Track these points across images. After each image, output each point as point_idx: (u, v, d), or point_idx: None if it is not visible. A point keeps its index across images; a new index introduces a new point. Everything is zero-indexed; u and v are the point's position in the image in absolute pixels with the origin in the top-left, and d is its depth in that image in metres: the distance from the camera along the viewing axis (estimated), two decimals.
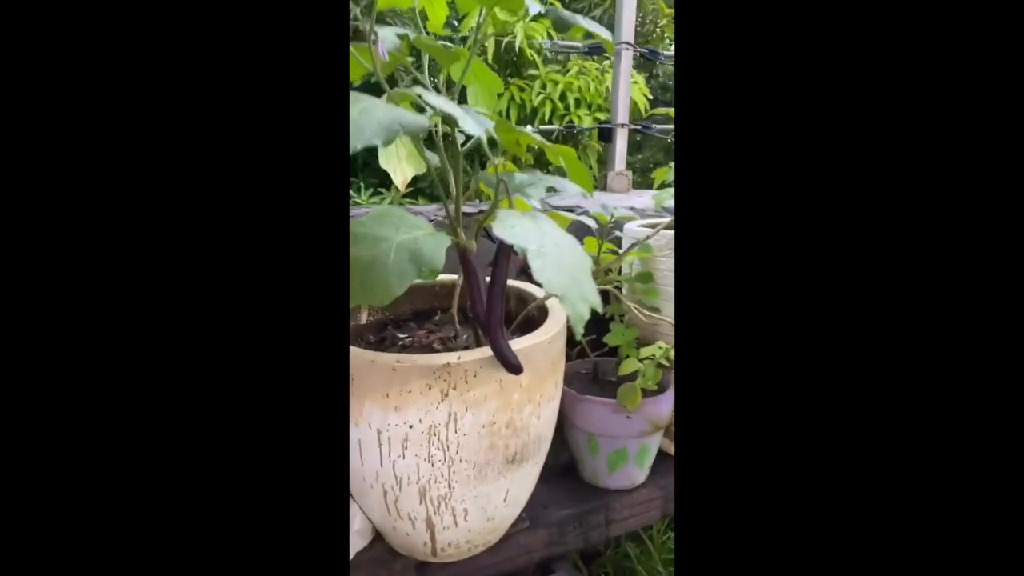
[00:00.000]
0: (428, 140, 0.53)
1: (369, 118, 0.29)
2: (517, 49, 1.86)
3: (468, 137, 0.47)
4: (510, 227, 0.28)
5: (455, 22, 1.84)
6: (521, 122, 1.97)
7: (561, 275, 0.27)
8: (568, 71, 2.02)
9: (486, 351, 0.40)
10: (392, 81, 0.44)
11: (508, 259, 0.38)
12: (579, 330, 0.27)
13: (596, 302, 0.29)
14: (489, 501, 0.46)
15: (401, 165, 0.58)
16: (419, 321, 0.61)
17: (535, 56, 1.92)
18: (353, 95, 0.32)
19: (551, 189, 0.41)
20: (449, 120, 0.37)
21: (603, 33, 0.44)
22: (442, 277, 0.64)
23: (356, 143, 0.28)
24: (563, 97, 1.97)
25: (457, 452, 0.42)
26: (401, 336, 0.56)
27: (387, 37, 0.40)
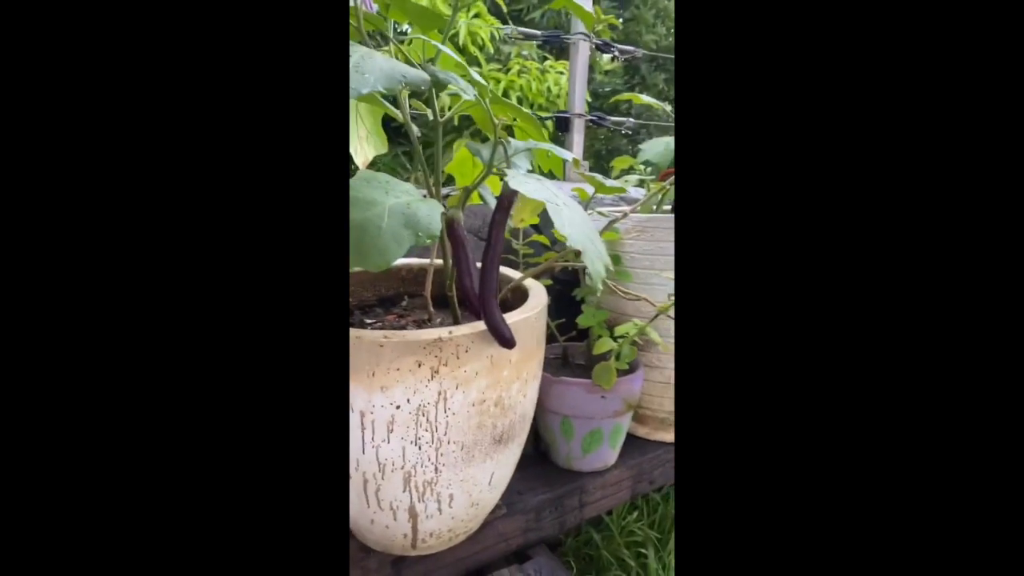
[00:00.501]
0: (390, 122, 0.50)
1: (372, 64, 0.27)
2: (460, 45, 1.85)
3: (443, 110, 0.46)
4: (524, 182, 0.27)
5: None
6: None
7: (580, 231, 0.27)
8: (510, 69, 2.03)
9: (477, 326, 0.39)
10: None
11: (505, 221, 0.37)
12: (598, 286, 0.27)
13: (609, 261, 0.28)
14: (475, 485, 0.44)
15: (362, 144, 0.56)
16: (385, 307, 0.58)
17: (478, 53, 1.92)
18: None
19: (549, 155, 0.40)
20: (439, 83, 0.36)
21: (585, 6, 0.44)
22: (408, 261, 0.62)
23: (361, 88, 0.26)
24: (505, 95, 1.98)
25: (446, 433, 0.40)
26: (369, 321, 0.53)
27: None
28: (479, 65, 1.95)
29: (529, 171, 0.43)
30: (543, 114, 1.99)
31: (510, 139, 0.39)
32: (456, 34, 1.82)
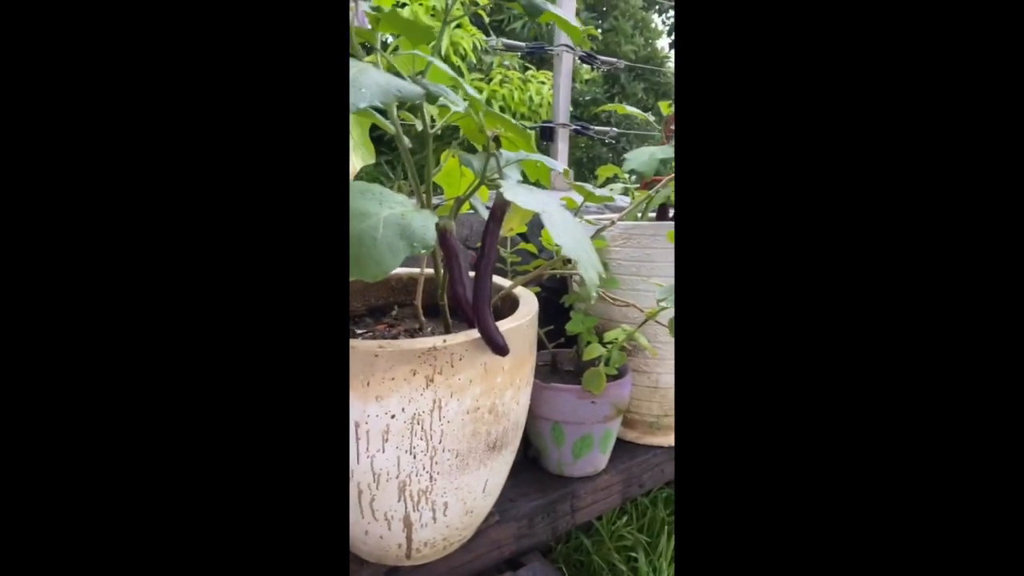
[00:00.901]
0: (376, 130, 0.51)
1: (368, 78, 0.28)
2: (442, 55, 1.86)
3: (433, 121, 0.47)
4: (519, 192, 0.28)
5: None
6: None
7: (574, 240, 0.27)
8: (492, 79, 2.04)
9: (471, 334, 0.39)
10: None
11: (499, 231, 0.38)
12: (593, 293, 0.28)
13: (601, 268, 0.29)
14: (469, 492, 0.44)
15: (350, 155, 0.56)
16: (375, 317, 0.58)
17: (460, 62, 1.93)
18: None
19: (540, 166, 0.41)
20: (431, 96, 0.36)
21: (571, 20, 0.45)
22: (398, 271, 0.62)
23: (358, 103, 0.26)
24: (487, 104, 1.99)
25: (441, 441, 0.40)
26: (359, 332, 0.53)
27: (362, 6, 0.38)
28: (461, 75, 1.96)
29: (520, 181, 0.44)
30: (527, 124, 2.02)
31: (501, 150, 0.40)
32: (437, 45, 1.84)
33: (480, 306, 0.38)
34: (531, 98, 2.00)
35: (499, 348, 0.39)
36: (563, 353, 0.69)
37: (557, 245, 0.27)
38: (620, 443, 0.70)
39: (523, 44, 1.21)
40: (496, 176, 0.40)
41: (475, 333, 0.39)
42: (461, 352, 0.38)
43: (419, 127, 0.46)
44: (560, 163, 0.42)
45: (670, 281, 0.52)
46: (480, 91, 1.98)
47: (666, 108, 0.65)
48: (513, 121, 0.42)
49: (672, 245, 0.50)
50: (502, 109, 2.01)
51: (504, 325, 0.42)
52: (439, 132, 0.48)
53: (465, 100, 0.38)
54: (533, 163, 0.49)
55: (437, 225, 0.40)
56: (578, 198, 0.52)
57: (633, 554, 0.81)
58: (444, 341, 0.38)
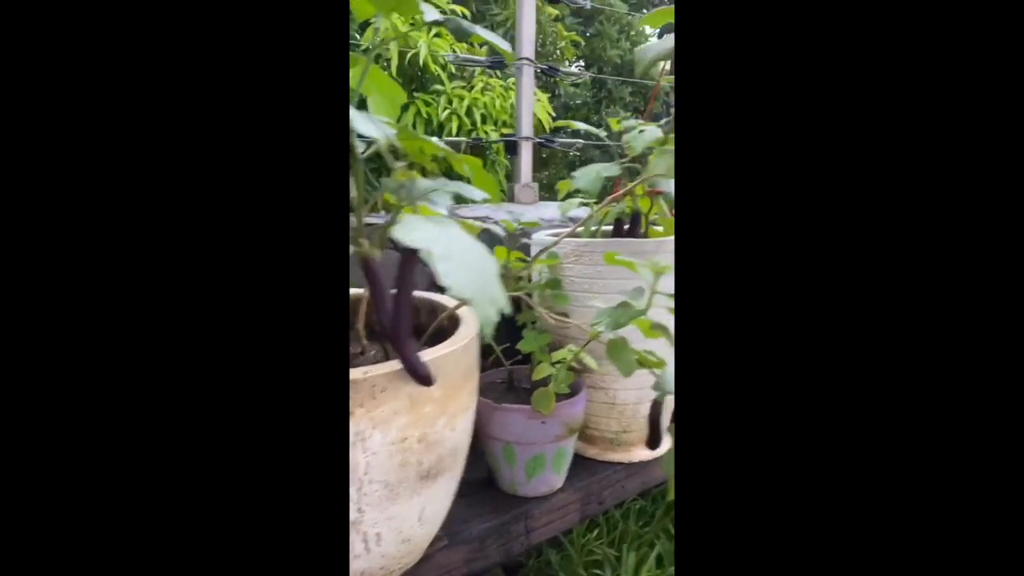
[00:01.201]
0: None
1: None
2: (421, 63, 1.85)
3: (368, 145, 0.46)
4: (412, 231, 0.28)
5: (356, 35, 1.81)
6: (428, 136, 1.94)
7: (468, 279, 0.27)
8: (473, 87, 2.04)
9: (395, 364, 0.39)
10: None
11: (414, 265, 0.37)
12: (488, 333, 0.27)
13: (504, 305, 0.28)
14: (404, 522, 0.44)
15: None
16: None
17: (440, 71, 1.93)
18: None
19: (459, 197, 0.41)
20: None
21: (501, 44, 0.44)
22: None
23: None
24: (469, 112, 1.98)
25: (366, 473, 0.39)
26: None
27: None
28: (442, 83, 1.96)
29: (450, 203, 0.43)
30: (507, 131, 2.01)
31: (418, 179, 0.40)
32: (417, 54, 1.83)
33: (399, 338, 0.37)
34: (512, 106, 2.00)
35: (422, 379, 0.38)
36: (520, 370, 0.68)
37: (448, 286, 0.26)
38: (580, 460, 0.69)
39: (483, 59, 1.20)
40: (422, 203, 0.39)
41: (399, 363, 0.39)
42: (384, 384, 0.38)
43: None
44: (482, 192, 0.42)
45: (616, 298, 0.52)
46: (462, 99, 1.97)
47: (615, 124, 0.65)
48: (441, 144, 0.42)
49: (614, 266, 0.49)
50: (484, 117, 2.00)
51: (436, 352, 0.41)
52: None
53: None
54: (482, 174, 0.49)
55: (355, 255, 0.39)
56: (514, 221, 0.51)
57: (598, 571, 0.80)
58: (364, 373, 0.37)
